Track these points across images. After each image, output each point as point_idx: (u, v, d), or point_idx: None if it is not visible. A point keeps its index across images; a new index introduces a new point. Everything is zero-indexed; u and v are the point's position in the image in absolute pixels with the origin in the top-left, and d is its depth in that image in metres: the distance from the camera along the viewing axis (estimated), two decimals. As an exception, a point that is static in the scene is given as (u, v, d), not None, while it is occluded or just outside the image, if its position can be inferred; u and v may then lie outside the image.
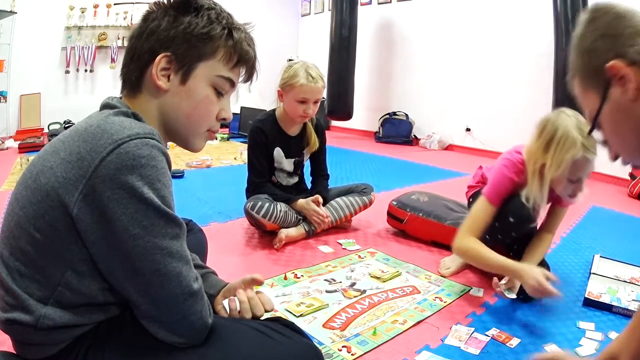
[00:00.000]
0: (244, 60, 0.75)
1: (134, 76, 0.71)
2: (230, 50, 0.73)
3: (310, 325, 1.22)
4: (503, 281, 1.33)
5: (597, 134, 0.65)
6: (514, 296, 1.31)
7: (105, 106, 0.69)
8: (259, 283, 0.86)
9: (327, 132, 2.30)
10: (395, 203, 1.98)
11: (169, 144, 0.79)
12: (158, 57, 0.69)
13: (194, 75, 0.71)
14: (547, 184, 1.26)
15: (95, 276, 0.64)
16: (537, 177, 1.26)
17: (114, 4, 4.77)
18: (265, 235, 1.89)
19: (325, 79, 1.94)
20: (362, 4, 5.22)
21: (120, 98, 0.73)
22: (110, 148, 0.58)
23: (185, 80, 0.71)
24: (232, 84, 0.76)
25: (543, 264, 1.46)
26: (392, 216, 1.99)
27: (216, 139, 4.60)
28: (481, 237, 1.50)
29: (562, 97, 3.44)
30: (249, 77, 0.78)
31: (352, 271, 1.60)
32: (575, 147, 1.18)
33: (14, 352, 0.70)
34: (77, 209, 0.58)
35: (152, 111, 0.72)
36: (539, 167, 1.25)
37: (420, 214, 1.88)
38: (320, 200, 1.88)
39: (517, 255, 1.47)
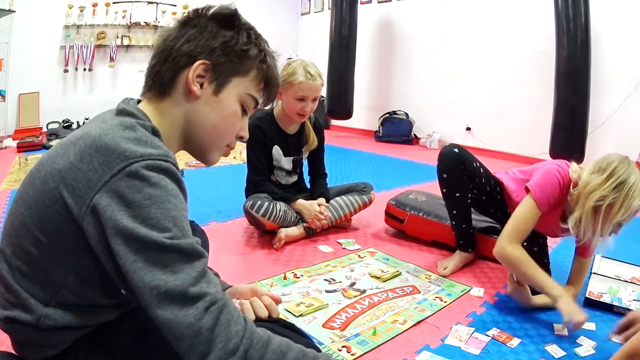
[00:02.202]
0: (270, 85, 0.77)
1: (166, 77, 0.70)
2: (262, 73, 0.74)
3: (309, 325, 1.22)
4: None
5: None
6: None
7: (122, 112, 0.66)
8: (278, 302, 0.84)
9: (327, 131, 2.30)
10: (393, 202, 1.97)
11: None
12: (197, 63, 0.68)
13: (227, 88, 0.72)
14: (611, 225, 1.21)
15: (100, 281, 0.63)
16: (602, 215, 1.21)
17: (113, 3, 4.76)
18: (265, 235, 1.88)
19: (325, 78, 1.94)
20: (362, 3, 5.21)
21: (138, 102, 0.71)
22: (121, 165, 0.56)
23: (218, 92, 0.71)
24: (256, 105, 0.77)
25: (545, 266, 1.46)
26: (391, 216, 1.98)
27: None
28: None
29: (564, 96, 3.43)
30: (268, 101, 0.80)
31: (351, 271, 1.60)
32: None
33: (13, 352, 0.70)
34: (85, 223, 0.57)
35: (177, 116, 0.71)
36: (608, 205, 1.20)
37: (421, 214, 1.88)
38: (326, 205, 1.88)
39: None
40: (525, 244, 1.51)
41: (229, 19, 0.72)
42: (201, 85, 0.70)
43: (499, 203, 1.64)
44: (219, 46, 0.69)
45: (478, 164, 1.61)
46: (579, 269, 1.42)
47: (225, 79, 0.71)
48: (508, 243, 1.29)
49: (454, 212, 1.62)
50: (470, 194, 1.59)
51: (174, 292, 0.54)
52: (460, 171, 1.55)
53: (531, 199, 1.32)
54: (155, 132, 0.64)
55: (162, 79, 0.70)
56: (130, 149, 0.57)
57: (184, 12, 0.75)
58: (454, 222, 1.64)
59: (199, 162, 2.70)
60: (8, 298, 0.63)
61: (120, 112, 0.66)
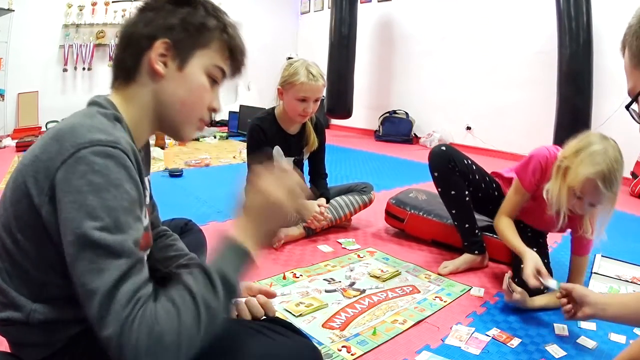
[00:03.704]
0: (235, 54, 0.76)
1: (130, 62, 0.71)
2: (225, 43, 0.74)
3: (309, 325, 1.21)
4: (508, 274, 1.33)
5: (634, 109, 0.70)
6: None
7: (90, 103, 0.69)
8: (272, 296, 0.84)
9: (326, 130, 2.29)
10: (393, 201, 1.97)
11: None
12: (157, 43, 0.69)
13: (191, 62, 0.72)
14: (565, 188, 1.23)
15: None
16: (560, 177, 1.25)
17: (112, 2, 4.75)
18: (265, 235, 1.87)
19: (325, 77, 1.93)
20: (361, 2, 5.20)
21: (108, 96, 0.73)
22: (71, 151, 0.57)
23: (182, 67, 0.72)
24: (224, 75, 0.77)
25: (546, 266, 1.45)
26: (391, 215, 1.97)
27: (215, 137, 4.58)
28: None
29: (566, 96, 3.43)
30: (236, 71, 0.79)
31: (351, 270, 1.59)
32: (596, 169, 1.16)
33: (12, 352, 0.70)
34: (44, 211, 0.58)
35: (146, 98, 0.72)
36: (564, 168, 1.24)
37: (421, 213, 1.87)
38: (327, 205, 1.88)
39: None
40: (525, 243, 1.50)
41: None
42: (165, 64, 0.71)
43: (496, 199, 1.64)
44: (177, 23, 0.70)
45: (469, 162, 1.63)
46: (577, 269, 1.42)
47: (187, 54, 0.71)
48: (497, 216, 1.50)
49: (453, 211, 1.62)
50: (466, 191, 1.58)
51: (99, 291, 0.53)
52: (450, 168, 1.58)
53: (516, 180, 1.45)
54: (117, 119, 0.66)
55: (126, 65, 0.71)
56: (82, 135, 0.58)
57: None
58: (455, 223, 1.64)
59: (198, 161, 2.70)
60: (0, 300, 0.64)
61: (89, 103, 0.69)
